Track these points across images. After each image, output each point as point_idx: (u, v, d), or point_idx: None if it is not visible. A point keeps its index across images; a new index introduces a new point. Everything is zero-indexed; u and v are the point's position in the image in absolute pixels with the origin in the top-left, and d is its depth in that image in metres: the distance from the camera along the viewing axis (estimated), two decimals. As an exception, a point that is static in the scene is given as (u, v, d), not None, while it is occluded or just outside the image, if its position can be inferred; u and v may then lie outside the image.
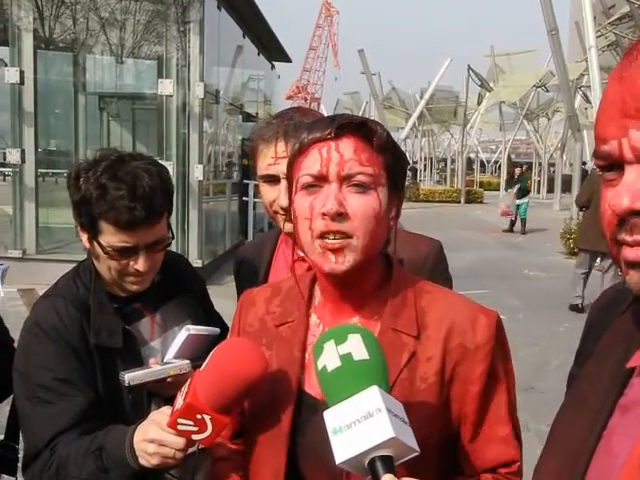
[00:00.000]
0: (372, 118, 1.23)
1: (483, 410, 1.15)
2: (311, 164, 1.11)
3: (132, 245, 1.48)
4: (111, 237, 1.47)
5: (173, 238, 1.61)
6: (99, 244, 1.50)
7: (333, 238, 1.08)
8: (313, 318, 1.22)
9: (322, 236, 1.09)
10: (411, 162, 43.93)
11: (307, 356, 1.19)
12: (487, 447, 1.15)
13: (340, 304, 1.19)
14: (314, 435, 1.11)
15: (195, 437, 1.14)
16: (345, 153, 1.09)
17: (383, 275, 1.21)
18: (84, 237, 1.54)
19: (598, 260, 8.52)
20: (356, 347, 0.96)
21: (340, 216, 1.07)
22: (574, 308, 8.51)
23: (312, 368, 1.16)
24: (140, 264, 1.51)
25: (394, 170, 1.15)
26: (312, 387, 1.16)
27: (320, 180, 1.10)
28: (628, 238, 0.70)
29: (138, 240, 1.48)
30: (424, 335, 1.14)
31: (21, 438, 1.56)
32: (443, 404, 1.13)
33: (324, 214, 1.07)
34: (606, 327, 0.90)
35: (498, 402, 1.16)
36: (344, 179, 1.09)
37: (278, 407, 1.16)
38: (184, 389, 1.15)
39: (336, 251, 1.08)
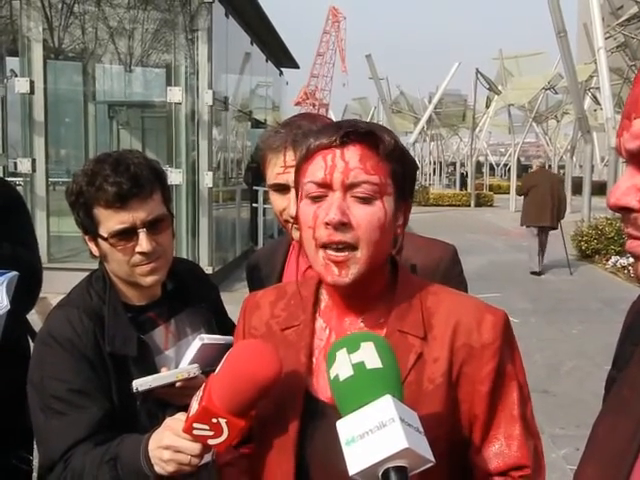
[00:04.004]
0: (381, 123, 1.21)
1: (493, 410, 1.13)
2: (315, 171, 1.09)
3: (129, 225, 1.50)
4: (107, 222, 1.50)
5: (173, 217, 1.63)
6: (101, 237, 1.52)
7: (337, 249, 1.07)
8: (319, 322, 1.21)
9: (325, 247, 1.07)
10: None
11: (314, 360, 1.17)
12: (497, 448, 1.13)
13: (346, 308, 1.18)
14: (323, 440, 1.10)
15: (211, 442, 1.13)
16: (350, 161, 1.07)
17: (389, 279, 1.19)
18: (90, 243, 1.57)
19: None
20: (369, 355, 0.94)
21: (343, 226, 1.05)
22: (534, 273, 11.29)
23: (320, 372, 1.15)
24: (143, 245, 1.51)
25: (401, 178, 1.13)
26: (320, 392, 1.15)
27: (324, 188, 1.08)
28: (625, 230, 0.74)
29: (133, 217, 1.50)
30: (430, 336, 1.13)
31: (36, 449, 1.56)
32: (451, 405, 1.11)
33: (327, 223, 1.05)
34: None
35: (508, 402, 1.13)
36: (348, 187, 1.07)
37: (286, 413, 1.14)
38: (199, 393, 1.13)
39: (340, 264, 1.07)
